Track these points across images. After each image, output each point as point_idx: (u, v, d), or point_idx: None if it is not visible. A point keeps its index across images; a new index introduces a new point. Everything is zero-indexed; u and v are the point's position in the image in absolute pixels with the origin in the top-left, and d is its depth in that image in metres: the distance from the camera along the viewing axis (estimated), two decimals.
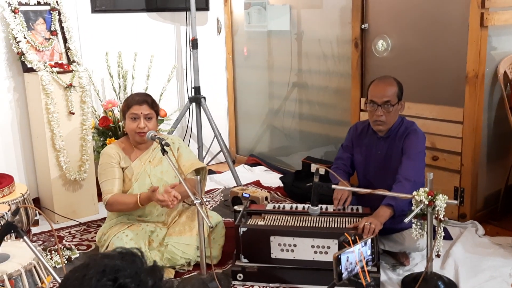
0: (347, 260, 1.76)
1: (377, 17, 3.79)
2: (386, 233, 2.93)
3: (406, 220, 2.57)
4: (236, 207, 3.18)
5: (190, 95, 4.55)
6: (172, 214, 3.19)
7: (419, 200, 2.57)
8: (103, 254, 1.03)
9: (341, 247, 1.82)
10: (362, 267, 1.75)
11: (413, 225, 2.66)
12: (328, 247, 2.70)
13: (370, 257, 1.87)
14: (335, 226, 2.84)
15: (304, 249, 2.73)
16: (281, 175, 4.51)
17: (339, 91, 4.24)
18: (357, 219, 2.84)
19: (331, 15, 4.18)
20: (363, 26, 3.84)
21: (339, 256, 1.74)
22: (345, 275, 1.74)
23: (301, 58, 4.53)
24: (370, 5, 3.80)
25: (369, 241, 1.85)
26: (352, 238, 1.79)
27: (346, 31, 4.03)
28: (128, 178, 3.08)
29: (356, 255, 1.78)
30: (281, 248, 2.75)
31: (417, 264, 2.99)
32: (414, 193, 2.59)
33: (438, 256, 2.67)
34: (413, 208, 2.60)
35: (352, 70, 3.98)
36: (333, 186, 2.79)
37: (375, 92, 2.95)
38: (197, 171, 3.22)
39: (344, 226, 2.83)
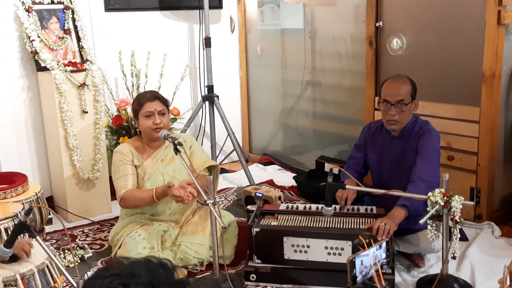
0: (362, 264, 1.73)
1: (392, 15, 3.74)
2: (401, 234, 2.89)
3: (421, 221, 2.53)
4: (249, 207, 3.16)
5: (203, 94, 4.54)
6: (186, 213, 3.18)
7: (434, 201, 2.53)
8: (133, 259, 1.02)
9: (355, 250, 1.79)
10: (377, 271, 1.72)
11: (429, 226, 2.62)
12: (342, 249, 2.67)
13: (385, 260, 1.84)
14: (349, 227, 2.81)
15: (318, 250, 2.70)
16: (294, 174, 4.48)
17: (353, 89, 4.20)
18: (372, 220, 2.80)
19: (345, 13, 4.14)
20: (377, 24, 3.79)
21: (354, 260, 1.71)
22: (359, 278, 1.71)
23: (314, 56, 4.49)
24: (384, 3, 3.76)
25: (384, 244, 1.82)
26: (367, 241, 1.76)
27: (360, 29, 3.99)
28: (140, 177, 3.08)
29: (371, 258, 1.75)
30: (294, 249, 2.73)
31: (432, 266, 2.95)
32: (430, 194, 2.55)
33: (454, 258, 2.63)
34: (428, 209, 2.56)
35: (367, 69, 3.94)
36: (347, 186, 2.75)
37: (388, 91, 2.91)
38: (209, 170, 3.21)
39: (358, 227, 2.79)
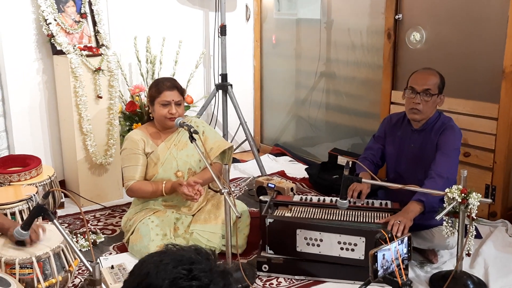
0: (383, 258, 1.71)
1: (412, 8, 3.70)
2: (415, 230, 2.86)
3: (438, 217, 2.51)
4: (262, 197, 3.14)
5: (217, 82, 4.51)
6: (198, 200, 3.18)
7: (451, 197, 2.51)
8: (179, 246, 1.08)
9: (377, 244, 1.77)
10: (398, 265, 1.71)
11: (444, 223, 2.60)
12: (355, 244, 2.64)
13: (406, 255, 1.82)
14: (363, 220, 2.78)
15: (330, 245, 2.68)
16: (306, 166, 4.46)
17: (368, 82, 4.17)
18: (386, 215, 2.78)
19: (362, 4, 4.10)
20: (397, 17, 3.75)
21: (376, 254, 1.69)
22: (380, 272, 1.70)
23: (330, 47, 4.45)
24: None
25: (406, 238, 1.80)
26: (389, 235, 1.75)
27: (378, 21, 3.95)
28: (153, 163, 3.08)
29: (393, 253, 1.74)
30: (307, 242, 2.71)
31: (445, 262, 2.94)
32: (447, 190, 2.53)
33: (468, 255, 2.61)
34: (445, 205, 2.54)
35: (384, 62, 3.90)
36: (363, 180, 2.73)
37: (416, 80, 2.89)
38: (222, 152, 3.21)
39: (372, 221, 2.77)
